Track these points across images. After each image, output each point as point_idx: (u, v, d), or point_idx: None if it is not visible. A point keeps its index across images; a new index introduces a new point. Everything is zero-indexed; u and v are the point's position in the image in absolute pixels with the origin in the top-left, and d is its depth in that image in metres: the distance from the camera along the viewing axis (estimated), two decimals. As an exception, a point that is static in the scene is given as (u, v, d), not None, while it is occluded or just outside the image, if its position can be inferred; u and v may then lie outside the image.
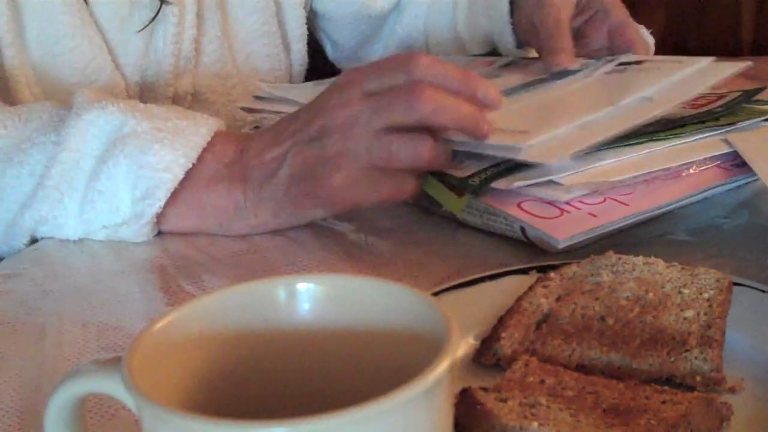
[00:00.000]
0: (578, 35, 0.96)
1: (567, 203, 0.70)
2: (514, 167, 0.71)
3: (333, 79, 0.92)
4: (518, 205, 0.70)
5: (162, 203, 0.72)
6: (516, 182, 0.69)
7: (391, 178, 0.71)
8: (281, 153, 0.73)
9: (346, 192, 0.72)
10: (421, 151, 0.70)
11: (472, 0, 1.13)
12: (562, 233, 0.67)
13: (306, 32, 1.13)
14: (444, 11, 1.17)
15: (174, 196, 0.73)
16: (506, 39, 1.06)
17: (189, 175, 0.73)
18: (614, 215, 0.69)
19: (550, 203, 0.70)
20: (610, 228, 0.69)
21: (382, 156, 0.70)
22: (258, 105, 0.95)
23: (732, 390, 0.51)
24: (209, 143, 0.74)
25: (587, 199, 0.71)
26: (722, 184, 0.74)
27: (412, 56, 0.70)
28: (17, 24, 0.87)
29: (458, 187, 0.72)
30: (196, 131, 0.74)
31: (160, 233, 0.77)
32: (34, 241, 0.77)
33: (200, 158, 0.73)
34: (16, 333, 0.64)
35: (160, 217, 0.74)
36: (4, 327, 0.64)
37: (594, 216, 0.69)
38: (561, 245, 0.67)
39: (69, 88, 0.87)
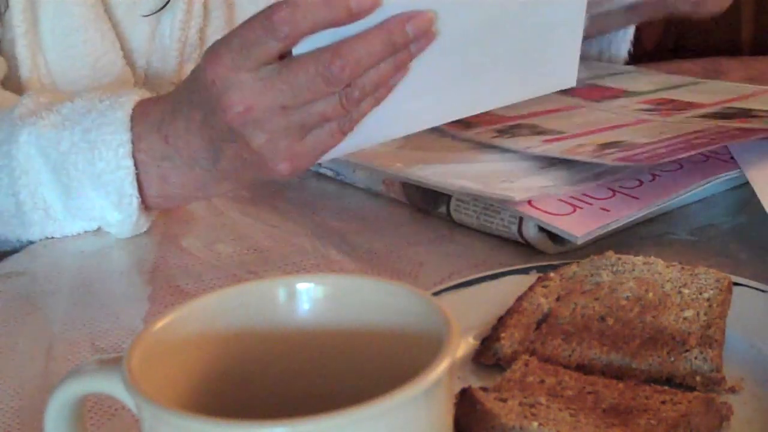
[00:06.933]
0: None
1: (576, 198, 0.71)
2: None
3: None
4: (529, 203, 0.70)
5: (137, 195, 0.72)
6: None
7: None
8: (208, 146, 0.69)
9: (297, 167, 0.68)
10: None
11: None
12: (580, 229, 0.67)
13: None
14: None
15: (140, 186, 0.72)
16: None
17: (139, 178, 0.72)
18: (626, 209, 0.70)
19: (561, 200, 0.71)
20: (625, 221, 0.70)
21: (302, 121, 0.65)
22: None
23: (732, 390, 0.51)
24: (134, 140, 0.72)
25: (595, 194, 0.71)
26: (729, 175, 0.74)
27: (269, 14, 0.62)
28: (32, 14, 0.87)
29: None
30: (117, 104, 0.72)
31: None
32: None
33: (136, 162, 0.72)
34: (15, 333, 0.64)
35: (145, 204, 0.74)
36: (3, 327, 0.64)
37: (607, 210, 0.70)
38: (580, 241, 0.67)
39: (79, 81, 0.88)
